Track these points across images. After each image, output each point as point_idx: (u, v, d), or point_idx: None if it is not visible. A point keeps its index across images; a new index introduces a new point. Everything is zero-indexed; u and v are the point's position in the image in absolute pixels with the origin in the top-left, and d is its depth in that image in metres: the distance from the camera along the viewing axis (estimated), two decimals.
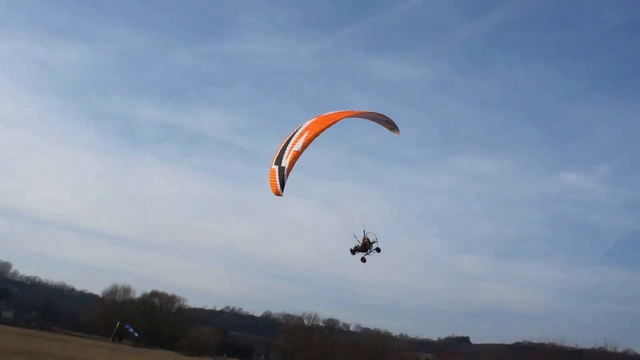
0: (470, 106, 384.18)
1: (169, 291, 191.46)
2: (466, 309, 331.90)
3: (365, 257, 22.02)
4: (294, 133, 19.92)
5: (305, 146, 19.37)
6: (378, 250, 21.46)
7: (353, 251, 22.25)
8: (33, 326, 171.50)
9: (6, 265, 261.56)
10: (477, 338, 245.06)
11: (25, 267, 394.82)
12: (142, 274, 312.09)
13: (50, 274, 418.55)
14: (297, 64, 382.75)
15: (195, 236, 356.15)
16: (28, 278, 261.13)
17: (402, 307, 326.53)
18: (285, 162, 18.85)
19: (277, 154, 19.41)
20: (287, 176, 19.00)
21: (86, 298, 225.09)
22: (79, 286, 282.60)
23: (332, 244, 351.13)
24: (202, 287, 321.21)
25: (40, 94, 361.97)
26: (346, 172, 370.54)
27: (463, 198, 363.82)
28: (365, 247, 21.63)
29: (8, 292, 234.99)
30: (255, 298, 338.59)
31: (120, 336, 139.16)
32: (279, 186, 19.16)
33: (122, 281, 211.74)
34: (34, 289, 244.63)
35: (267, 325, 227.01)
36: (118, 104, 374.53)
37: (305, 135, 19.45)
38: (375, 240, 21.45)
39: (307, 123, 20.04)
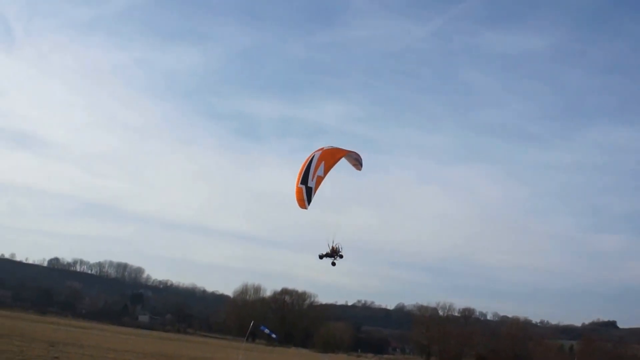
0: (596, 74, 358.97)
1: (299, 288, 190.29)
2: (611, 291, 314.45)
3: (334, 261, 24.10)
4: (311, 160, 22.35)
5: (326, 173, 22.43)
6: (341, 256, 23.88)
7: (321, 256, 24.26)
8: (168, 329, 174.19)
9: (139, 271, 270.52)
10: (625, 322, 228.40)
11: (157, 271, 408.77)
12: (272, 272, 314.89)
13: (182, 277, 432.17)
14: (411, 46, 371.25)
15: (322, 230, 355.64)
16: (160, 282, 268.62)
17: (540, 292, 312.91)
18: (311, 184, 21.50)
19: (301, 176, 21.96)
20: (313, 195, 21.70)
21: (217, 299, 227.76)
22: (210, 287, 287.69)
23: (461, 229, 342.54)
24: (332, 282, 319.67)
25: (160, 99, 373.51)
26: (470, 154, 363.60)
27: (594, 172, 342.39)
28: (333, 253, 23.62)
29: (142, 296, 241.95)
30: (387, 290, 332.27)
31: (255, 336, 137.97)
32: (306, 202, 21.54)
33: (251, 280, 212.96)
34: (166, 292, 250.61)
35: (401, 317, 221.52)
36: (235, 103, 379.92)
37: (323, 164, 22.33)
38: (340, 248, 23.67)
39: (320, 153, 22.78)
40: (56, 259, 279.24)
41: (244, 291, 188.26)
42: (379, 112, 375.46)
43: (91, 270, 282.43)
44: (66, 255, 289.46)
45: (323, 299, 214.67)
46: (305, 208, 21.37)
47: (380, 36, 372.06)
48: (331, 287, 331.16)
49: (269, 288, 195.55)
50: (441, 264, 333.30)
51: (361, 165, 25.61)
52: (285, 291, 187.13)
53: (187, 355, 53.46)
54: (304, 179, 21.41)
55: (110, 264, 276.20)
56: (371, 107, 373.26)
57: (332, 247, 23.26)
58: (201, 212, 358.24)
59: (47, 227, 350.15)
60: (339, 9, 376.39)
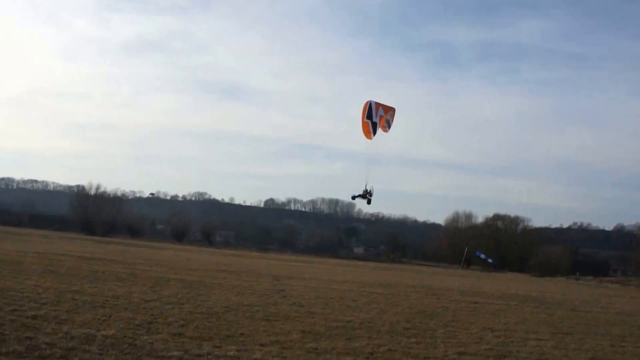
0: None
1: (512, 213, 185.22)
2: None
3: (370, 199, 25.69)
4: (370, 104, 24.03)
5: (386, 113, 24.45)
6: (369, 202, 25.66)
7: (354, 197, 26.22)
8: (383, 259, 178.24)
9: (350, 205, 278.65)
10: None
11: (370, 205, 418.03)
12: (482, 199, 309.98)
13: (393, 209, 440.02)
14: None
15: (531, 153, 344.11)
16: (372, 214, 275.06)
17: None
18: (376, 119, 23.74)
19: (366, 112, 23.84)
20: (377, 129, 23.85)
21: (429, 228, 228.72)
22: (421, 217, 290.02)
23: None
24: (546, 205, 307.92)
25: (355, 38, 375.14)
26: None
27: None
28: (366, 194, 25.40)
29: (356, 229, 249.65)
30: (604, 211, 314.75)
31: (469, 262, 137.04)
32: (371, 134, 23.56)
33: (462, 208, 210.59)
34: (378, 224, 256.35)
35: (621, 238, 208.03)
36: (430, 32, 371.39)
37: (381, 108, 24.31)
38: (372, 191, 25.43)
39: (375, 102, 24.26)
40: (271, 200, 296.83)
41: (455, 219, 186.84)
42: (583, 24, 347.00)
43: (304, 208, 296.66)
44: (280, 195, 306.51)
45: (536, 222, 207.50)
46: (371, 139, 23.54)
47: None
48: (544, 210, 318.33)
49: (480, 214, 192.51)
50: None
51: (389, 127, 25.92)
52: (497, 217, 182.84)
53: (404, 283, 53.66)
54: (369, 115, 23.69)
55: (323, 200, 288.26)
56: (572, 20, 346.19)
57: (365, 190, 25.37)
58: (407, 144, 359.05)
59: (261, 170, 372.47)
60: None
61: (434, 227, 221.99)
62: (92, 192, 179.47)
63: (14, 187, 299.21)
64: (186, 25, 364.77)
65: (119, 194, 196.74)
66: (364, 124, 23.81)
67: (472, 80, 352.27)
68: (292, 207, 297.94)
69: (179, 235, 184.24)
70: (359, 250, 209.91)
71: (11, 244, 57.77)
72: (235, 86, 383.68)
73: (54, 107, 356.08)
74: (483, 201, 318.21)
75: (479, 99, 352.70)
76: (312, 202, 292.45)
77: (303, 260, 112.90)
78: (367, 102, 23.88)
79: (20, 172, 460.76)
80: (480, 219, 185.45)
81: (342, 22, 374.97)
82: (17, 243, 62.11)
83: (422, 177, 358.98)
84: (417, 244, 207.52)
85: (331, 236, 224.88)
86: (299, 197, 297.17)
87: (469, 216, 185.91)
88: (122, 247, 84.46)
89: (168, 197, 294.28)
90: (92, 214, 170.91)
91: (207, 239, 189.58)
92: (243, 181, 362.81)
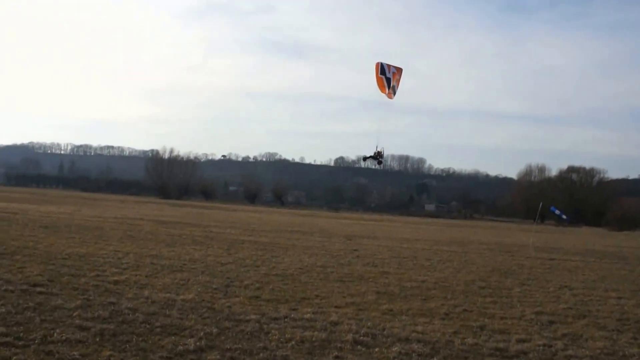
0: None
1: (587, 164, 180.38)
2: None
3: (380, 160, 26.06)
4: (382, 63, 24.12)
5: (398, 71, 24.33)
6: (381, 161, 26.01)
7: (365, 158, 27.22)
8: (455, 216, 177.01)
9: (420, 161, 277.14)
10: None
11: (438, 160, 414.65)
12: (556, 151, 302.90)
13: (463, 164, 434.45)
14: None
15: (606, 101, 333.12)
16: (442, 170, 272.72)
17: None
18: (389, 75, 23.99)
19: (379, 69, 23.97)
20: (393, 83, 23.90)
21: (501, 182, 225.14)
22: (493, 172, 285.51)
23: None
24: (623, 155, 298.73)
25: None
26: None
27: None
28: (378, 156, 25.69)
29: (426, 186, 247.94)
30: None
31: (543, 217, 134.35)
32: (386, 88, 23.79)
33: (535, 161, 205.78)
34: (449, 180, 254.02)
35: None
36: None
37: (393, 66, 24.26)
38: (383, 152, 25.63)
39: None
40: (341, 158, 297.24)
41: (528, 172, 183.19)
42: None
43: (374, 166, 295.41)
44: (349, 153, 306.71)
45: (613, 174, 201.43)
46: (386, 93, 24.15)
47: None
48: (621, 160, 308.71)
49: (554, 167, 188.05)
50: None
51: (394, 94, 25.72)
52: (571, 169, 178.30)
53: (478, 240, 53.17)
54: (382, 71, 24.24)
55: (392, 157, 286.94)
56: None
57: (377, 151, 25.86)
58: (476, 96, 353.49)
59: (330, 129, 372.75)
60: None
61: (506, 181, 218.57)
62: (166, 156, 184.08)
63: (92, 154, 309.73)
64: None
65: (191, 157, 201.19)
66: (378, 79, 24.19)
67: (541, 26, 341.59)
68: (362, 165, 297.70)
69: (251, 197, 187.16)
70: (430, 207, 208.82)
71: (91, 210, 59.87)
72: (303, 44, 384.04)
73: (126, 74, 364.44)
74: (557, 153, 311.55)
75: (549, 45, 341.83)
76: None
77: (374, 218, 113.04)
78: (378, 63, 24.25)
79: (96, 139, 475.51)
80: (554, 172, 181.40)
81: None
82: (96, 208, 64.35)
83: (493, 130, 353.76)
84: (489, 200, 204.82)
85: (402, 193, 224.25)
86: (368, 155, 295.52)
87: (542, 169, 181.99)
88: (196, 210, 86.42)
89: (239, 159, 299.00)
90: (166, 177, 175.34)
91: (279, 199, 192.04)
92: (313, 140, 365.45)
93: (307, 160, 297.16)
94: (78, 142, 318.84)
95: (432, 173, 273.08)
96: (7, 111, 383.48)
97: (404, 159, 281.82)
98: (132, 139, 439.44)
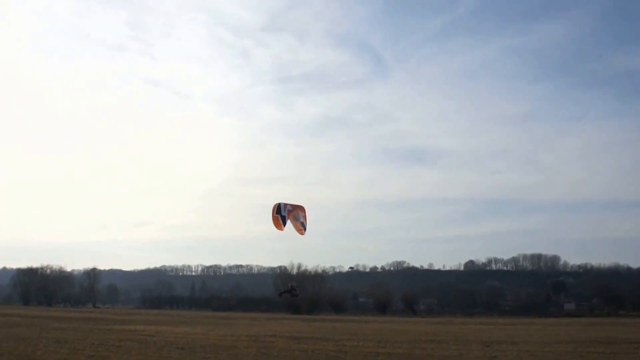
0: None
1: None
2: None
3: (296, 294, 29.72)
4: (279, 204, 27.67)
5: (294, 209, 28.11)
6: (296, 295, 29.92)
7: (281, 293, 31.88)
8: (597, 313, 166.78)
9: (555, 259, 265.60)
10: None
11: (573, 256, 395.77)
12: None
13: (600, 257, 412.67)
14: None
15: None
16: (579, 266, 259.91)
17: None
18: (284, 213, 27.62)
19: (275, 209, 27.54)
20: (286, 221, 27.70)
21: None
22: (635, 264, 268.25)
23: None
24: None
25: (536, 82, 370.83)
26: None
27: None
28: (292, 289, 29.03)
29: (563, 284, 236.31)
30: None
31: None
32: (281, 225, 27.40)
33: None
34: (587, 276, 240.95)
35: None
36: (615, 63, 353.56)
37: (290, 205, 27.88)
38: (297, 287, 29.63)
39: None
40: (471, 262, 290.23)
41: None
42: None
43: (506, 267, 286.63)
44: (480, 256, 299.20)
45: None
46: (282, 229, 27.03)
47: None
48: None
49: None
50: None
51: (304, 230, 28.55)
52: None
53: (626, 339, 49.90)
54: (278, 210, 27.30)
55: (525, 257, 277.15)
56: None
57: (291, 285, 29.61)
58: (605, 186, 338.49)
59: (456, 232, 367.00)
60: None
61: None
62: (294, 271, 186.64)
63: (221, 274, 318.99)
64: (367, 97, 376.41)
65: (319, 270, 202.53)
66: (274, 219, 27.43)
67: None
68: (493, 266, 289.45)
69: (381, 307, 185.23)
70: (569, 306, 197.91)
71: (224, 329, 61.39)
72: (420, 150, 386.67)
73: (248, 193, 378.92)
74: None
75: None
76: (514, 259, 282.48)
77: (511, 322, 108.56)
78: (275, 204, 27.59)
79: (226, 258, 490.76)
80: None
81: (518, 68, 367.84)
82: (229, 327, 65.99)
83: (628, 219, 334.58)
84: (634, 294, 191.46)
85: (537, 293, 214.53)
86: (499, 256, 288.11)
87: None
88: (327, 324, 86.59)
89: (367, 270, 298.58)
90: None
91: (410, 307, 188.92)
92: (440, 245, 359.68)
93: (436, 266, 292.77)
94: (208, 263, 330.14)
95: (567, 270, 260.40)
96: (143, 239, 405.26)
97: (537, 257, 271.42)
98: (259, 256, 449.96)
